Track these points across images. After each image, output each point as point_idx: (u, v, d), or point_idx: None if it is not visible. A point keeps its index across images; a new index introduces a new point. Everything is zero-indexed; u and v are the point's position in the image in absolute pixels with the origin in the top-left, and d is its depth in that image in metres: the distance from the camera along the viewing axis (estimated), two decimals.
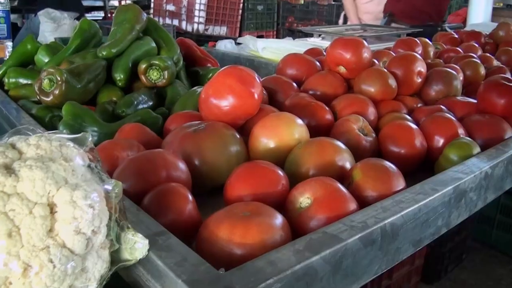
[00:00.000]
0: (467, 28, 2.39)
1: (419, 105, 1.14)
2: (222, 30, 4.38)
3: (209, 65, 1.53)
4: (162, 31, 1.43)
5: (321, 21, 4.46)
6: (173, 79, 1.26)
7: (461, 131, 0.94)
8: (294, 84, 1.13)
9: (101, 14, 6.59)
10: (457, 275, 2.17)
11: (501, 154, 0.87)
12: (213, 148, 0.80)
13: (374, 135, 0.94)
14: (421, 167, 0.93)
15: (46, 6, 3.49)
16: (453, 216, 0.74)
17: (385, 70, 1.10)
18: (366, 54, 1.12)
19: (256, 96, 0.88)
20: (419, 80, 1.13)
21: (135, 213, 0.62)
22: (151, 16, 5.10)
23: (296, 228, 0.64)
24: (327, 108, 0.99)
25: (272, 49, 1.65)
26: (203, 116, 0.91)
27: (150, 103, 1.18)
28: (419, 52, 1.37)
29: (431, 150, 0.94)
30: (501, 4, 3.54)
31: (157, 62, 1.23)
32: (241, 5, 4.42)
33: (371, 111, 1.01)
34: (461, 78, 1.30)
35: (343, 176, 0.76)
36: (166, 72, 1.23)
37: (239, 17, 4.44)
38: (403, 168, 0.92)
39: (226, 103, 0.87)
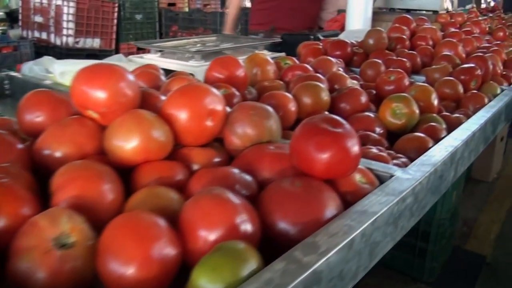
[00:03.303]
0: (341, 36, 2.10)
1: (215, 159, 0.77)
2: (95, 42, 3.86)
3: None
4: None
5: (208, 30, 4.07)
6: None
7: (242, 219, 0.57)
8: (18, 145, 0.71)
9: None
10: None
11: (299, 272, 0.50)
12: None
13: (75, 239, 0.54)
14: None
15: None
16: None
17: (147, 114, 0.72)
18: (126, 90, 0.73)
19: None
20: (212, 123, 0.76)
21: None
22: (19, 29, 4.49)
23: None
24: (26, 194, 0.58)
25: (73, 73, 1.21)
26: None
27: None
28: (241, 74, 1.01)
29: (194, 254, 0.56)
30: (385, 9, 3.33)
31: None
32: (116, 14, 3.92)
33: (106, 190, 0.62)
34: (293, 108, 0.96)
35: None
36: None
37: (115, 27, 3.94)
38: None
39: None
